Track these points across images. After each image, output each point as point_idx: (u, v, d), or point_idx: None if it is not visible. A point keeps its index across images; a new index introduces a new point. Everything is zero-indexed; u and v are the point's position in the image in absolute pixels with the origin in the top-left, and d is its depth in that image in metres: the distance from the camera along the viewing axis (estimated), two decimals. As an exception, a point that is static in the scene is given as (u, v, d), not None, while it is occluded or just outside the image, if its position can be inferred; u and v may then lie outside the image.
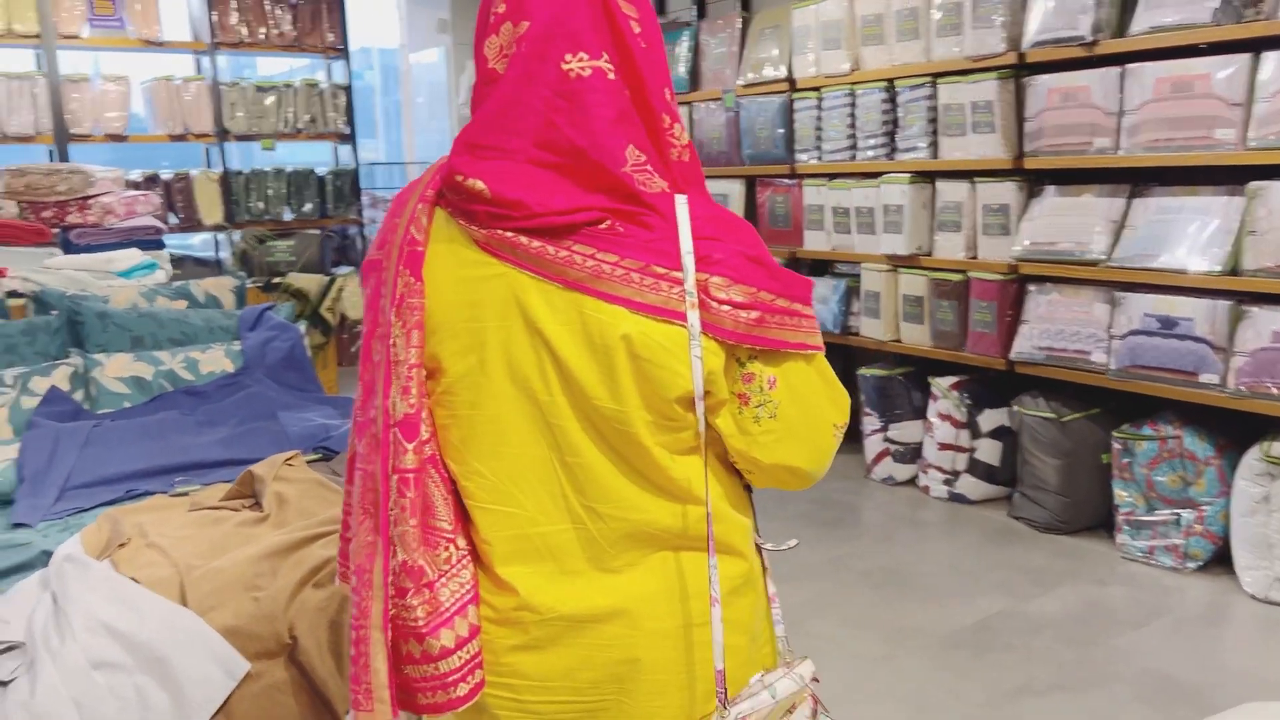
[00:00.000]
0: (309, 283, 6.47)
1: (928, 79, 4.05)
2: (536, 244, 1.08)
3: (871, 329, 4.47)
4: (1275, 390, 3.13)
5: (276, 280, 5.68)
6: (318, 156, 8.19)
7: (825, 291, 4.69)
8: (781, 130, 4.71)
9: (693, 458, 1.13)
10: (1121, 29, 3.49)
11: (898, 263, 4.28)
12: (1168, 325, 3.38)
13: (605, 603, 1.14)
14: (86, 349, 3.29)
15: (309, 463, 2.98)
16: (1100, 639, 3.00)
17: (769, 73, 4.76)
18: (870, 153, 4.33)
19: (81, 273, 3.84)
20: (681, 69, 5.32)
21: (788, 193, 4.79)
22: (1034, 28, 3.66)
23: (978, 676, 2.81)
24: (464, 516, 1.18)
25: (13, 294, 3.54)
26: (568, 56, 1.08)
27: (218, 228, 6.79)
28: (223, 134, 6.75)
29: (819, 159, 4.60)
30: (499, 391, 1.12)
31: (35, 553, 2.24)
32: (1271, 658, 2.90)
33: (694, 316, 1.06)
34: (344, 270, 7.20)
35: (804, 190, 4.69)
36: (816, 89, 4.56)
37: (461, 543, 1.16)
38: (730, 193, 5.09)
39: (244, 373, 3.37)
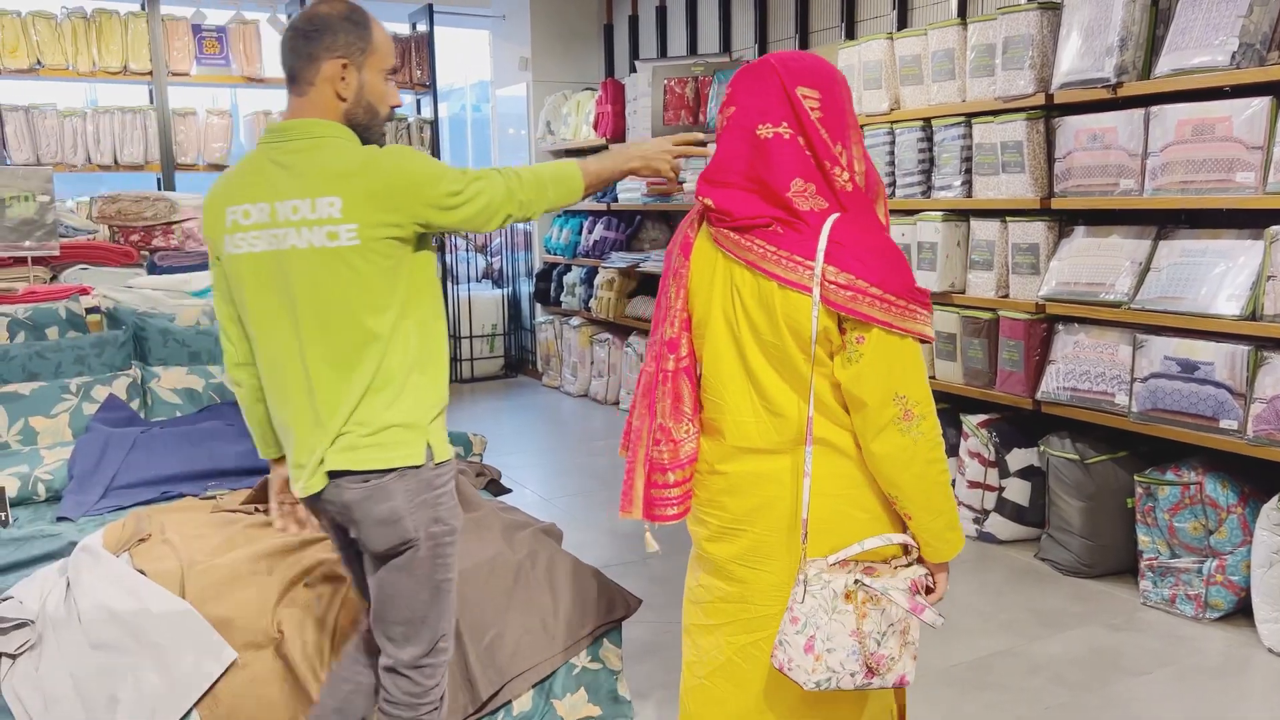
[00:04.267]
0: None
1: (962, 119, 4.08)
2: (734, 236, 1.71)
3: (908, 365, 4.48)
4: (1293, 439, 3.06)
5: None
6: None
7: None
8: (826, 167, 4.78)
9: (818, 378, 1.71)
10: (1147, 71, 3.48)
11: (932, 300, 4.30)
12: (1188, 369, 3.33)
13: (763, 469, 1.76)
14: (149, 362, 3.60)
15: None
16: (1097, 684, 2.97)
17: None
18: (907, 190, 4.37)
19: (158, 292, 4.18)
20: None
21: (832, 228, 4.85)
22: (1063, 69, 3.67)
23: (960, 714, 2.81)
24: (700, 409, 1.86)
25: (92, 310, 3.89)
26: (760, 126, 1.69)
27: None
28: (315, 164, 7.17)
29: (861, 195, 4.65)
30: (717, 329, 1.77)
31: (63, 543, 2.50)
32: (1274, 713, 2.82)
33: (816, 291, 1.64)
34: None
35: (847, 226, 4.74)
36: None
37: (695, 425, 1.84)
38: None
39: (287, 388, 3.63)
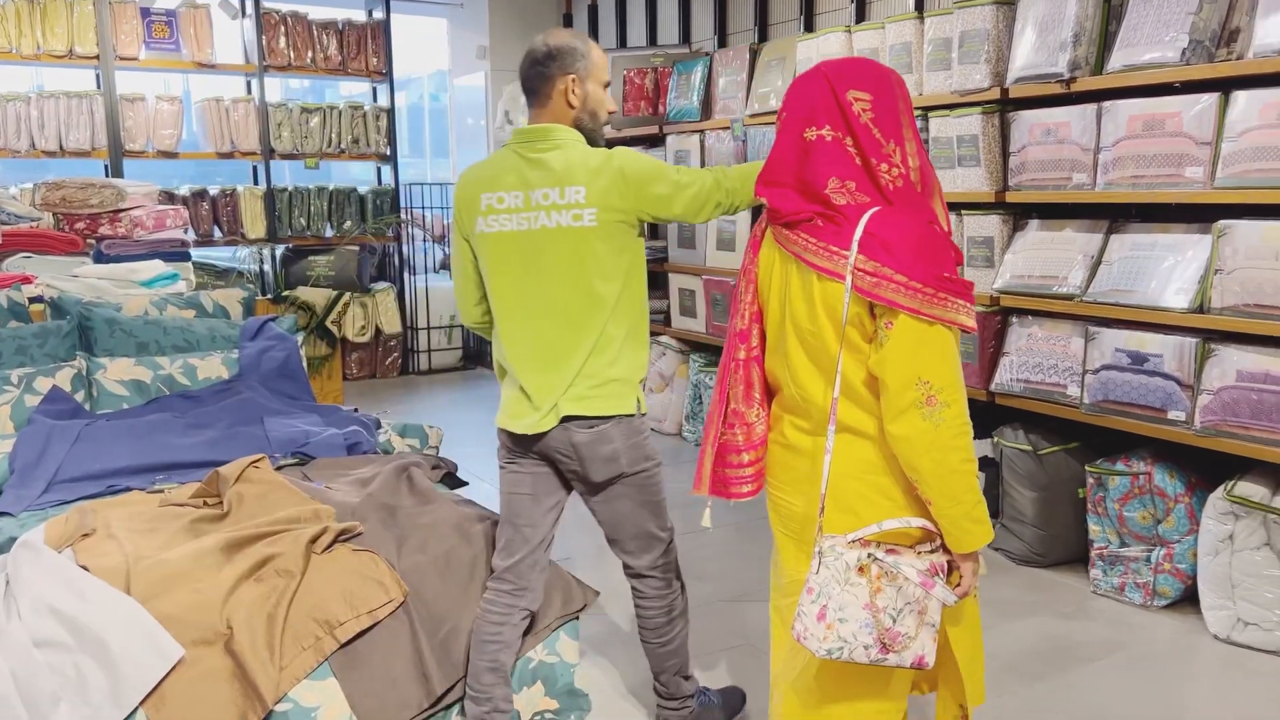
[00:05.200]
0: (316, 296, 6.69)
1: (919, 112, 4.10)
2: (785, 231, 1.85)
3: (865, 357, 4.51)
4: (1238, 430, 3.11)
5: (285, 293, 5.90)
6: (365, 176, 8.50)
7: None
8: (785, 159, 4.79)
9: (850, 361, 1.81)
10: (1099, 67, 3.52)
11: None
12: (1138, 361, 3.38)
13: (804, 445, 1.91)
14: (94, 353, 3.51)
15: (285, 467, 3.16)
16: (1049, 672, 3.01)
17: (774, 103, 4.85)
18: (865, 183, 4.39)
19: (104, 281, 4.08)
20: (694, 99, 5.44)
21: (790, 220, 4.86)
22: (1018, 64, 3.70)
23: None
24: (771, 394, 2.02)
25: (35, 299, 3.79)
26: (807, 129, 1.82)
27: (260, 242, 7.08)
28: (268, 152, 7.06)
29: (819, 188, 4.66)
30: (773, 318, 1.92)
31: (3, 539, 2.43)
32: (1221, 699, 2.88)
33: (849, 279, 1.75)
34: (381, 285, 7.47)
35: (805, 218, 4.76)
36: (817, 119, 4.64)
37: (765, 409, 2.00)
38: (737, 218, 5.18)
39: (238, 379, 3.56)
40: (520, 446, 2.36)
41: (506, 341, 2.34)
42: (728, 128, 5.19)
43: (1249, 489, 3.10)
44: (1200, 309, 3.21)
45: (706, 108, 5.43)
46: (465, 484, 3.37)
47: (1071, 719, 2.76)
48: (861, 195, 1.78)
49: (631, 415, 2.30)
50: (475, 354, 8.14)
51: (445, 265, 8.72)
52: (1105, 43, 3.52)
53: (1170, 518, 3.36)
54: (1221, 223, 3.15)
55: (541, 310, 2.27)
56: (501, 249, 2.28)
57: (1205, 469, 3.38)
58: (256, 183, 7.23)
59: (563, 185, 2.22)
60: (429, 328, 7.87)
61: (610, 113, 2.37)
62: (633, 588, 2.50)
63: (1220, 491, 3.17)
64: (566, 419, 2.26)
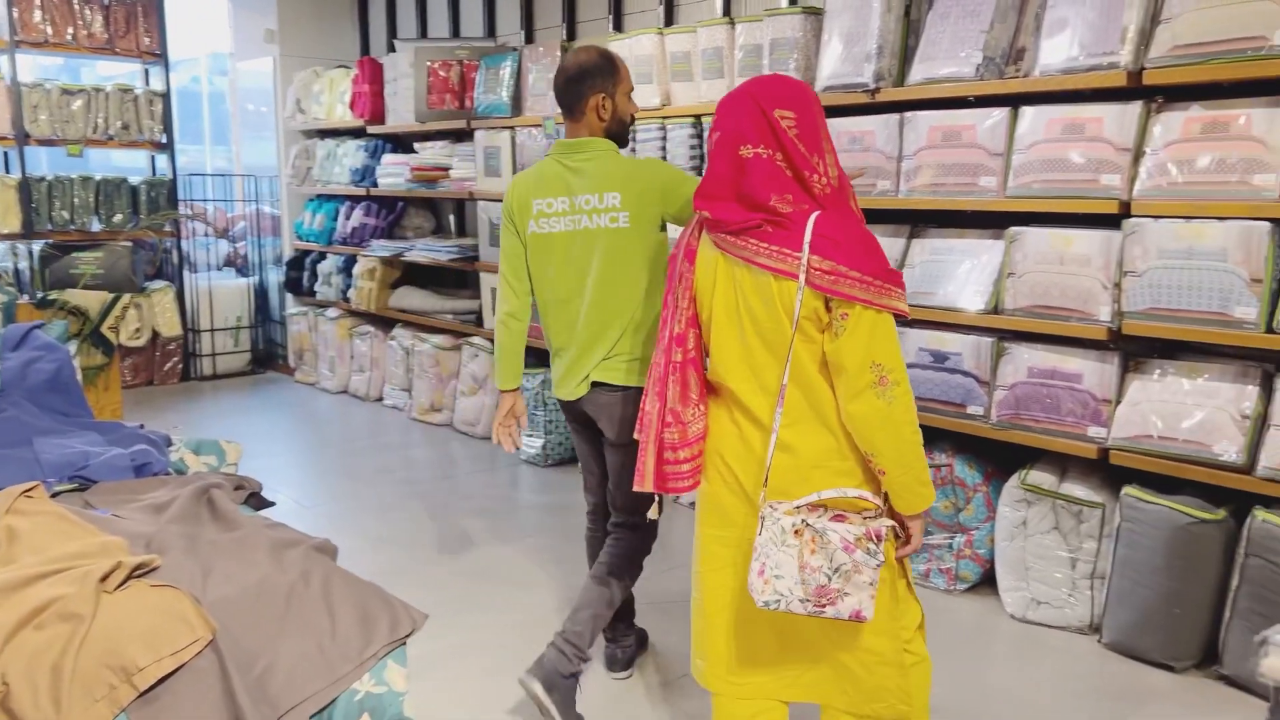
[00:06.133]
0: (89, 300, 6.12)
1: (731, 116, 4.16)
2: (731, 238, 2.01)
3: (680, 357, 4.54)
4: (1030, 422, 3.34)
5: (52, 297, 5.34)
6: (137, 165, 7.81)
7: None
8: (597, 159, 4.76)
9: (803, 351, 1.99)
10: (901, 79, 3.68)
11: (704, 293, 4.38)
12: (939, 359, 3.57)
13: (756, 431, 2.07)
14: None
15: (62, 493, 2.82)
16: (868, 661, 3.11)
17: (586, 101, 4.80)
18: (679, 185, 4.42)
19: None
20: (504, 94, 5.32)
21: (603, 220, 4.84)
22: (825, 73, 3.82)
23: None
24: (707, 392, 2.17)
25: None
26: (741, 147, 1.98)
27: (14, 237, 6.37)
28: (23, 137, 6.36)
29: (632, 188, 4.66)
30: (720, 321, 2.07)
31: None
32: (1022, 676, 3.07)
33: (802, 277, 1.92)
34: (158, 285, 6.89)
35: (618, 219, 4.74)
36: (630, 120, 4.63)
37: (702, 407, 2.15)
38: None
39: (-1, 396, 3.16)
40: (569, 412, 2.81)
41: (561, 326, 2.72)
42: (540, 125, 5.10)
43: (1040, 477, 3.34)
44: (995, 310, 3.42)
45: (517, 104, 5.33)
46: (272, 504, 3.13)
47: (893, 706, 2.87)
48: (800, 204, 1.96)
49: None
50: (265, 357, 7.67)
51: (230, 262, 8.16)
52: (906, 56, 3.69)
53: (970, 506, 3.57)
54: (1013, 229, 3.37)
55: (585, 300, 2.63)
56: (553, 247, 2.66)
57: (1001, 460, 3.61)
58: (9, 171, 6.50)
59: (601, 191, 2.59)
60: (213, 330, 7.34)
61: (633, 115, 2.73)
62: (610, 531, 2.88)
63: (1014, 480, 3.39)
64: (597, 384, 2.66)
